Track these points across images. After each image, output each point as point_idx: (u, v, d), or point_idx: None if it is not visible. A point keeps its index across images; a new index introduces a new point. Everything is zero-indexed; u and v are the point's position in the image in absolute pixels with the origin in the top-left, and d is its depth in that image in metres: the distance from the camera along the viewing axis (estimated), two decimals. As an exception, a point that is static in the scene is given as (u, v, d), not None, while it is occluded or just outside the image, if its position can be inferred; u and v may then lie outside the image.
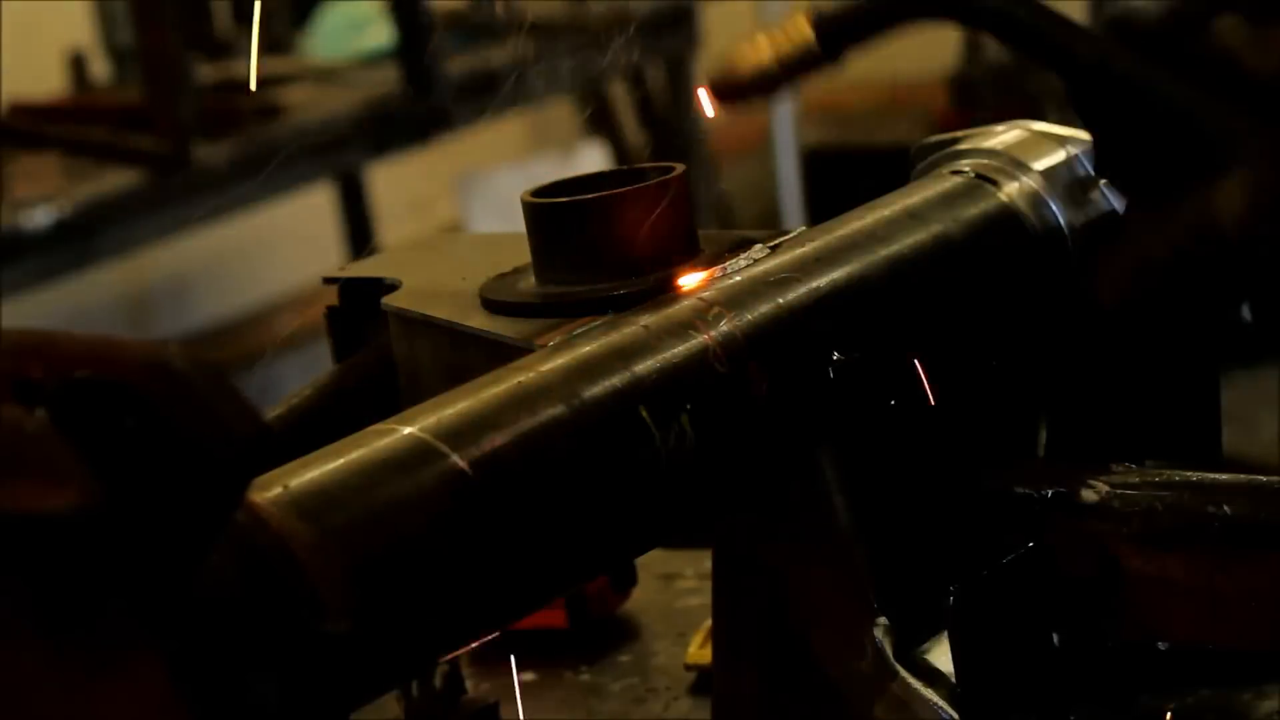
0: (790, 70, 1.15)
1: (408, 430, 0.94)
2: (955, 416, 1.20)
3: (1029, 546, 1.09)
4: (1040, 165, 1.23)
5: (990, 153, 1.24)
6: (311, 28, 4.76)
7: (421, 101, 4.18)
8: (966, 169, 1.24)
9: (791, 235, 1.16)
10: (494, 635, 0.97)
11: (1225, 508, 1.06)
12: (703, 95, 1.17)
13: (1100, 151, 1.15)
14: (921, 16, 1.20)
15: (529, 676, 1.42)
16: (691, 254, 1.13)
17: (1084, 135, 1.25)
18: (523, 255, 1.16)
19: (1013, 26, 1.09)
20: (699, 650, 1.35)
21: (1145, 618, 1.09)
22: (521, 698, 1.39)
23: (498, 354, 1.08)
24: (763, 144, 5.25)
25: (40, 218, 3.66)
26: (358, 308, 1.25)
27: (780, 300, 1.09)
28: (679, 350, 1.04)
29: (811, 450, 1.07)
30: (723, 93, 1.16)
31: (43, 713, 0.72)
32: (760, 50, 1.14)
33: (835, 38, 1.14)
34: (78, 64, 4.54)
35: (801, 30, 1.13)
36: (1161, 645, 1.09)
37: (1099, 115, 1.12)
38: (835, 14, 1.13)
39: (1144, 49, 1.17)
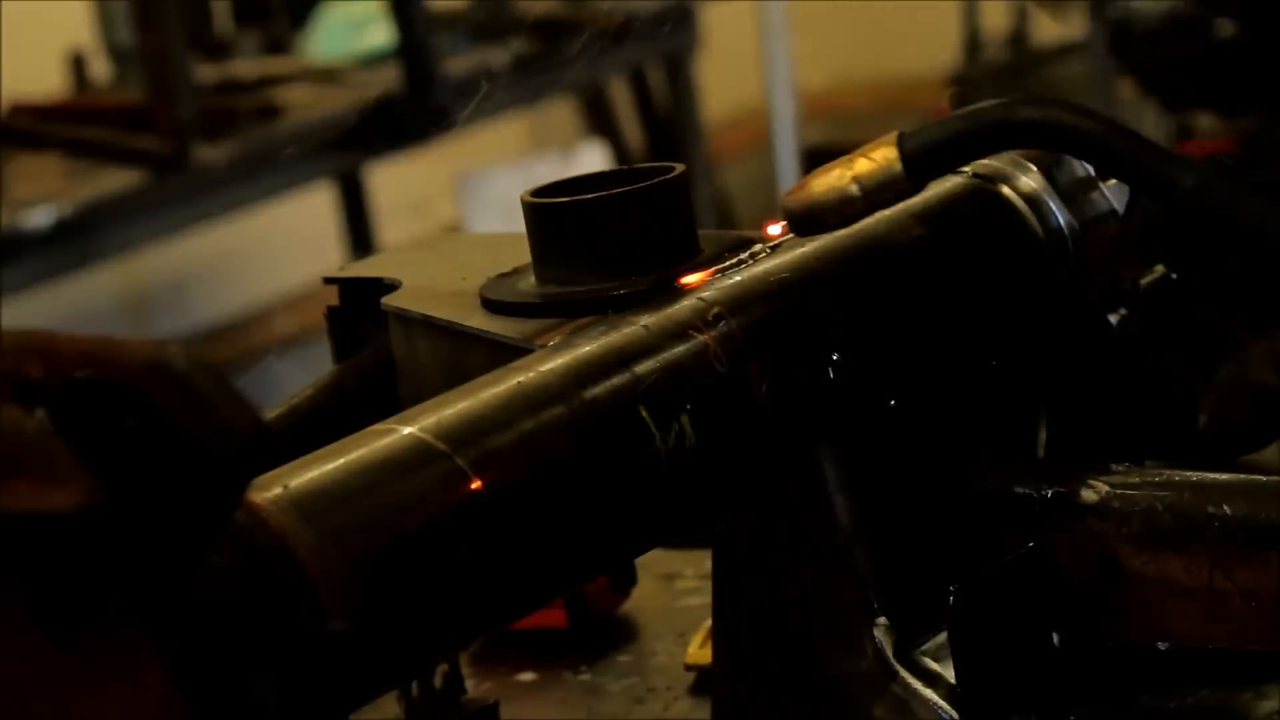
0: (874, 200, 1.09)
1: (408, 430, 0.94)
2: (955, 416, 1.20)
3: (1029, 546, 1.09)
4: (1040, 165, 1.23)
5: (990, 153, 1.24)
6: (311, 28, 4.76)
7: (421, 101, 4.18)
8: (966, 169, 1.24)
9: (791, 235, 1.16)
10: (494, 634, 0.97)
11: (1225, 508, 1.06)
12: (776, 227, 1.10)
13: (1198, 276, 1.11)
14: (1017, 146, 1.15)
15: (529, 676, 1.42)
16: (691, 254, 1.13)
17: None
18: (523, 255, 1.16)
19: (1113, 157, 1.05)
20: (699, 650, 1.35)
21: (1145, 618, 1.09)
22: (521, 698, 1.39)
23: (498, 354, 1.08)
24: (763, 144, 5.25)
25: (40, 218, 3.66)
26: (358, 308, 1.25)
27: (780, 300, 1.09)
28: (679, 350, 1.04)
29: (811, 450, 1.07)
30: (802, 223, 1.09)
31: (43, 713, 0.72)
32: (841, 178, 1.08)
33: (925, 168, 1.08)
34: (78, 64, 4.54)
35: (887, 158, 1.07)
36: (1161, 645, 1.09)
37: (1197, 242, 1.10)
38: (927, 146, 1.07)
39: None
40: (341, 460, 0.92)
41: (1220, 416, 0.99)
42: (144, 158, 3.88)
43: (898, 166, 1.07)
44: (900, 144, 1.07)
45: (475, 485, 0.93)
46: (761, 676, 1.12)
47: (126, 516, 0.74)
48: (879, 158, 1.07)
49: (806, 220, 1.08)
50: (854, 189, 1.07)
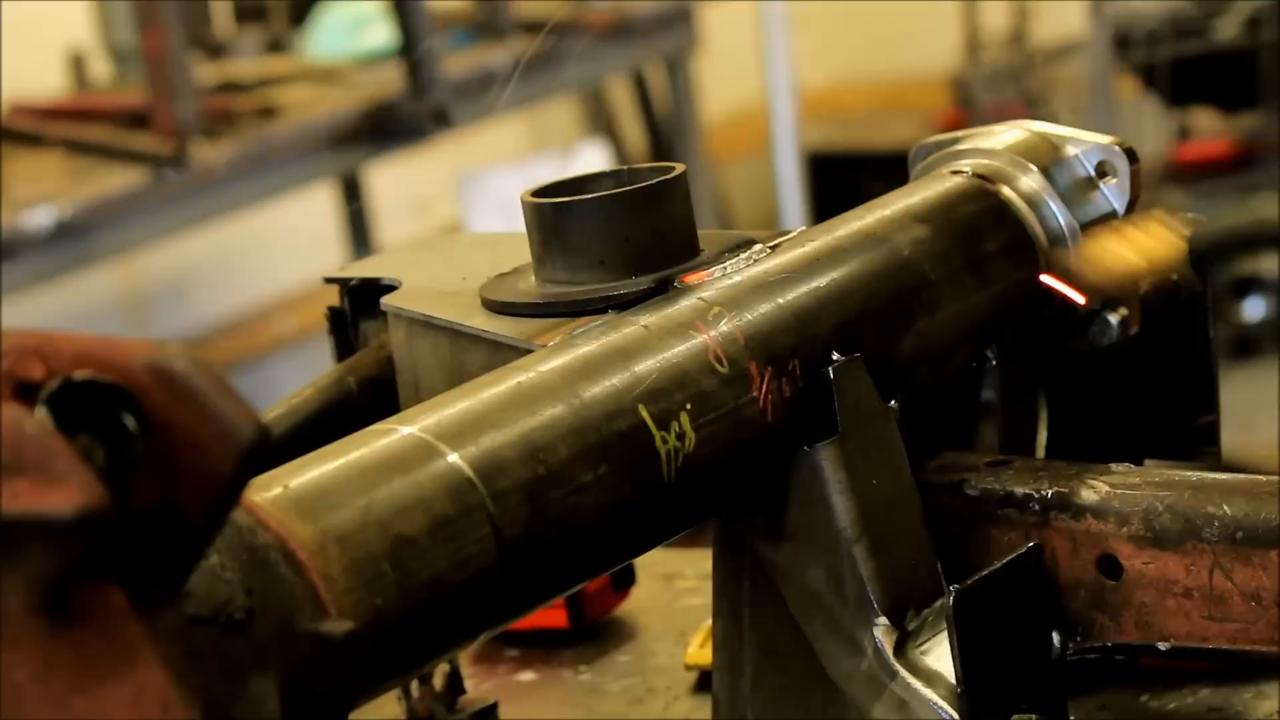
0: (1156, 279, 1.20)
1: (408, 430, 0.94)
2: (954, 414, 1.20)
3: (1029, 546, 1.09)
4: (1040, 165, 1.23)
5: (990, 153, 1.24)
6: (311, 28, 4.76)
7: (421, 101, 4.18)
8: (966, 169, 1.24)
9: (791, 235, 1.16)
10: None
11: (1225, 508, 1.06)
12: (1060, 286, 1.20)
13: None
14: None
15: (529, 676, 1.42)
16: (691, 254, 1.13)
17: (1084, 135, 1.25)
18: (523, 255, 1.16)
19: None
20: (699, 650, 1.35)
21: (1145, 618, 1.09)
22: (521, 698, 1.38)
23: (498, 354, 1.08)
24: (763, 144, 5.26)
25: (40, 218, 3.66)
26: (358, 308, 1.25)
27: (780, 300, 1.09)
28: (679, 350, 1.04)
29: (812, 450, 1.07)
30: (1087, 288, 1.19)
31: (43, 713, 0.72)
32: (1132, 255, 1.19)
33: (1208, 258, 1.20)
34: (78, 64, 4.54)
35: (1174, 244, 1.18)
36: (1161, 645, 1.09)
37: None
38: (1214, 239, 1.18)
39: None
40: (341, 460, 0.92)
41: None
42: (144, 158, 3.88)
43: (1183, 254, 1.19)
44: (1191, 239, 1.18)
45: (475, 485, 0.92)
46: (761, 676, 1.12)
47: (126, 517, 0.74)
48: (1164, 242, 1.19)
49: (1091, 287, 1.20)
50: (1143, 267, 1.19)
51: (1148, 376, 1.29)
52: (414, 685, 1.26)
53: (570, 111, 5.99)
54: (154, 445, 0.75)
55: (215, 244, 4.96)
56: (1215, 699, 1.17)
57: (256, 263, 5.35)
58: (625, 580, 1.46)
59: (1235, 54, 5.09)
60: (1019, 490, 1.12)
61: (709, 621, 1.18)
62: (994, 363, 1.19)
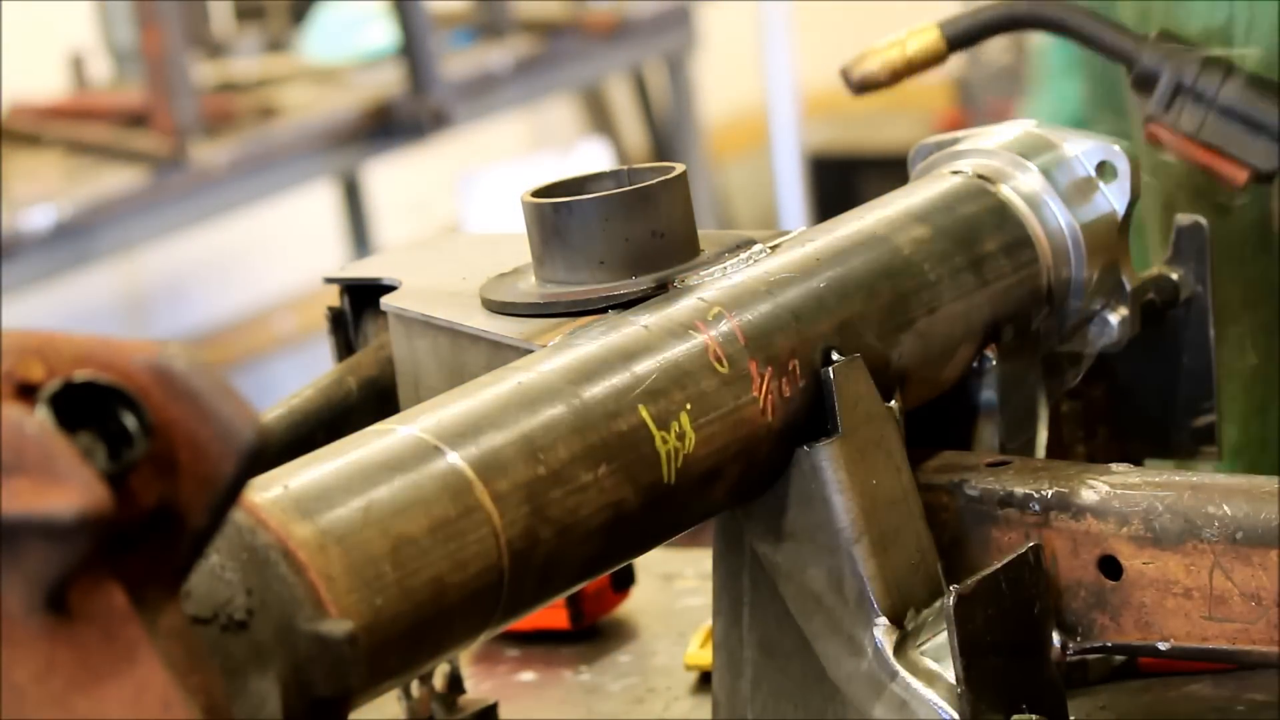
0: (915, 69, 1.44)
1: (407, 430, 0.94)
2: (954, 414, 1.20)
3: (1029, 546, 1.09)
4: (1040, 165, 1.23)
5: (990, 153, 1.24)
6: (311, 27, 4.76)
7: (421, 101, 4.19)
8: (966, 169, 1.24)
9: (791, 235, 1.16)
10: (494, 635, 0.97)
11: (1225, 508, 1.06)
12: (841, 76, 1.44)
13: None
14: (1030, 29, 1.51)
15: (529, 676, 1.42)
16: (691, 254, 1.13)
17: (1084, 135, 1.25)
18: (523, 255, 1.16)
19: (1089, 39, 1.44)
20: (699, 650, 1.35)
21: (1145, 618, 1.09)
22: (521, 698, 1.38)
23: (498, 354, 1.08)
24: (763, 144, 5.26)
25: (40, 218, 3.66)
26: (358, 308, 1.25)
27: (780, 300, 1.09)
28: (679, 350, 1.04)
29: (811, 450, 1.07)
30: (856, 83, 1.46)
31: (43, 713, 0.72)
32: (890, 50, 1.46)
33: (958, 45, 1.44)
34: (78, 64, 4.54)
35: (931, 37, 1.46)
36: (1161, 645, 1.09)
37: None
38: (963, 29, 1.45)
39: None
40: (341, 460, 0.92)
41: None
42: (144, 158, 3.89)
43: (941, 46, 1.46)
44: (945, 31, 1.45)
45: (475, 485, 0.92)
46: (761, 676, 1.12)
47: (125, 517, 0.74)
48: (924, 38, 1.46)
49: (863, 83, 1.48)
50: (903, 63, 1.46)
51: (1148, 376, 1.29)
52: (414, 685, 1.26)
53: (570, 111, 5.99)
54: (154, 445, 0.75)
55: (215, 244, 4.96)
56: (1215, 699, 1.17)
57: (256, 263, 5.35)
58: (625, 580, 1.46)
59: (1235, 54, 5.09)
60: (1019, 490, 1.12)
61: (709, 621, 1.18)
62: (994, 363, 1.19)
